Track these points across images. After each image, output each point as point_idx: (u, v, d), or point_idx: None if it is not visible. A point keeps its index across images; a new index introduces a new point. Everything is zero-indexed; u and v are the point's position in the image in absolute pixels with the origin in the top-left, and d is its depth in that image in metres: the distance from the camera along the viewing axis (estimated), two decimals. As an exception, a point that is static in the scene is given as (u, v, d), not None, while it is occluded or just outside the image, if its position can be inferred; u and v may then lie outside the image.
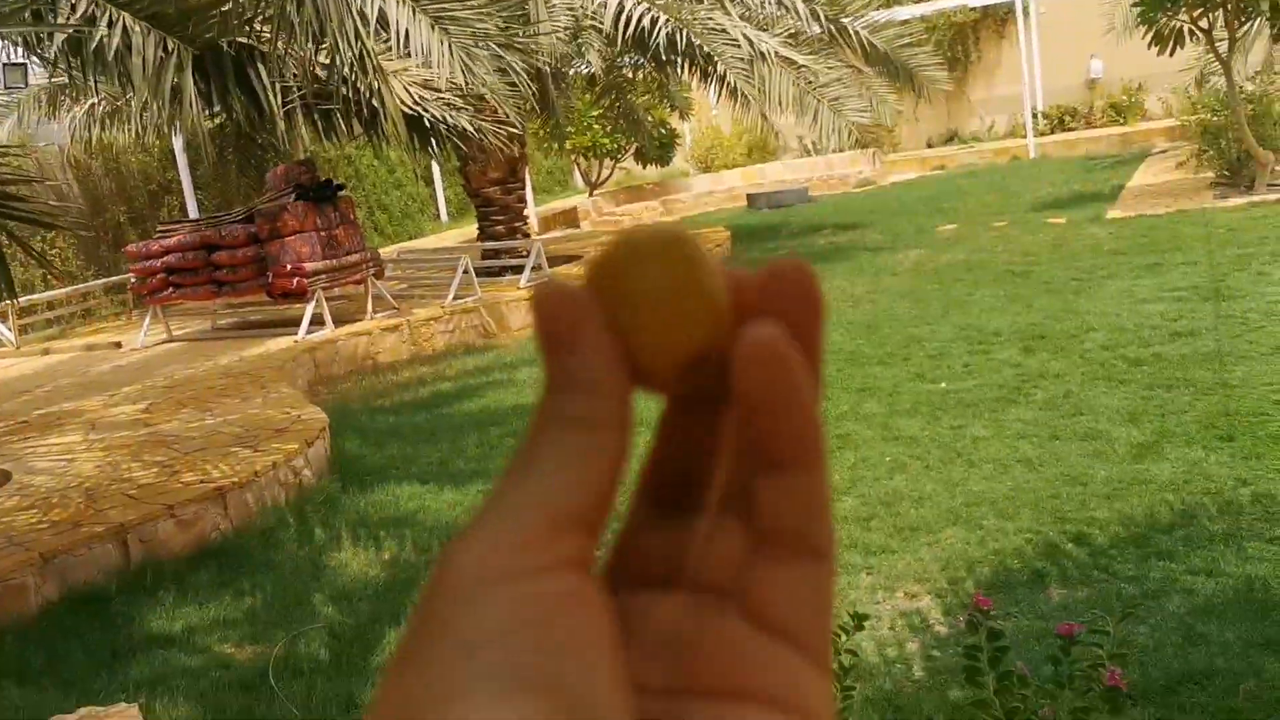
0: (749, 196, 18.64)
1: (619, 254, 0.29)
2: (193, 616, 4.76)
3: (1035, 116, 20.12)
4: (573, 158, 19.99)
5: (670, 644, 0.29)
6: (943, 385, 6.81)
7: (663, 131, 18.81)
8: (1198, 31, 11.10)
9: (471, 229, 14.57)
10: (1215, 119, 12.04)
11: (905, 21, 16.59)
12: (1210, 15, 10.91)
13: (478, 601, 0.25)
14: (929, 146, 21.68)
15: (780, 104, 11.99)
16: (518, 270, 11.63)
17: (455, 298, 10.73)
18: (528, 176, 14.15)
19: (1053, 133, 20.39)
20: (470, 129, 9.49)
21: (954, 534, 4.68)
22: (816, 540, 0.29)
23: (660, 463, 0.32)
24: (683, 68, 12.75)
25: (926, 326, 8.38)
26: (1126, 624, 1.95)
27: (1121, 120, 20.05)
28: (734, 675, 0.28)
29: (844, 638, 2.34)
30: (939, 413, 6.29)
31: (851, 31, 13.08)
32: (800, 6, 12.64)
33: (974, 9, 20.58)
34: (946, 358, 7.43)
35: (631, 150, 18.57)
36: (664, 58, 12.28)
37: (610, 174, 20.02)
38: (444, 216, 19.89)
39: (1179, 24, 11.10)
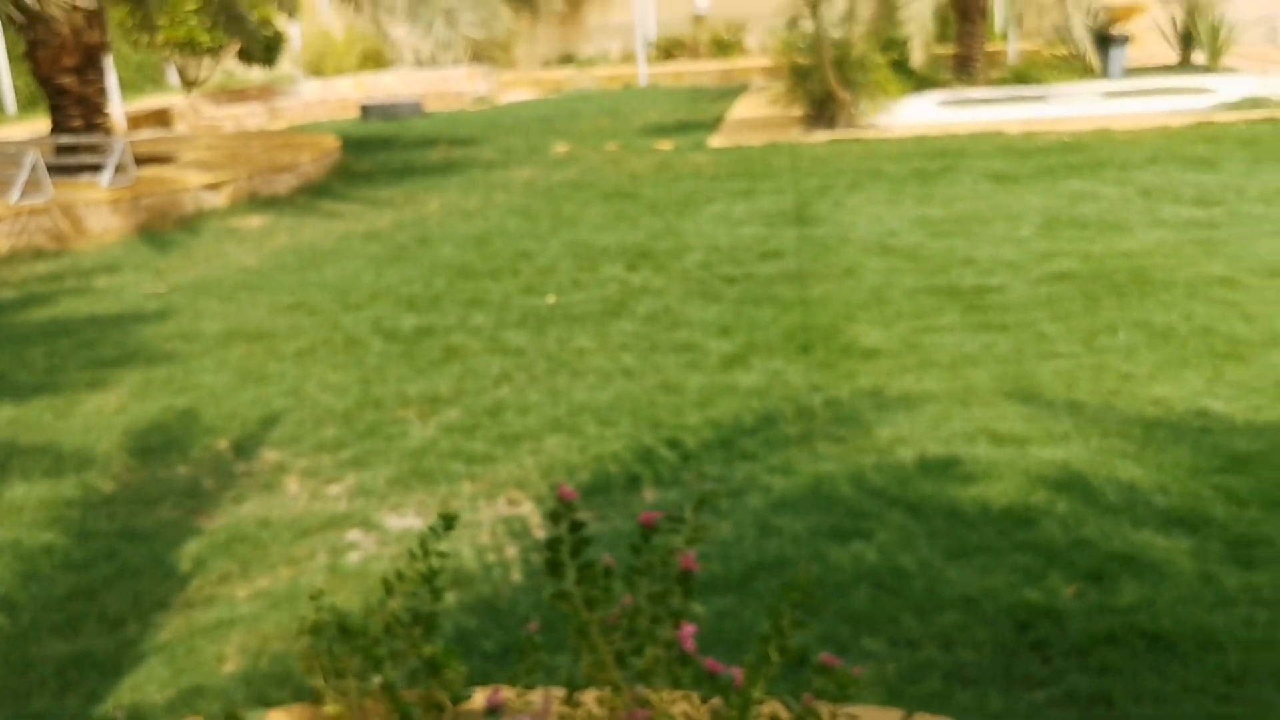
0: (363, 108, 18.00)
1: None
2: None
3: (647, 45, 20.73)
4: (167, 53, 18.33)
5: None
6: (550, 299, 6.88)
7: (268, 33, 17.62)
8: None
9: (45, 122, 13.01)
10: (804, 60, 12.88)
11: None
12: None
13: None
14: (544, 67, 21.80)
15: (392, 10, 11.56)
16: (98, 170, 10.55)
17: (22, 196, 9.56)
18: (111, 68, 12.83)
19: (662, 62, 21.11)
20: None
21: (556, 441, 4.74)
22: None
23: None
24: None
25: (536, 242, 8.44)
26: (709, 516, 2.00)
27: (724, 55, 21.10)
28: None
29: (432, 539, 2.26)
30: (546, 325, 6.35)
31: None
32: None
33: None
34: (555, 273, 7.51)
35: (235, 49, 17.26)
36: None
37: (211, 75, 18.57)
38: (11, 107, 17.67)
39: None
